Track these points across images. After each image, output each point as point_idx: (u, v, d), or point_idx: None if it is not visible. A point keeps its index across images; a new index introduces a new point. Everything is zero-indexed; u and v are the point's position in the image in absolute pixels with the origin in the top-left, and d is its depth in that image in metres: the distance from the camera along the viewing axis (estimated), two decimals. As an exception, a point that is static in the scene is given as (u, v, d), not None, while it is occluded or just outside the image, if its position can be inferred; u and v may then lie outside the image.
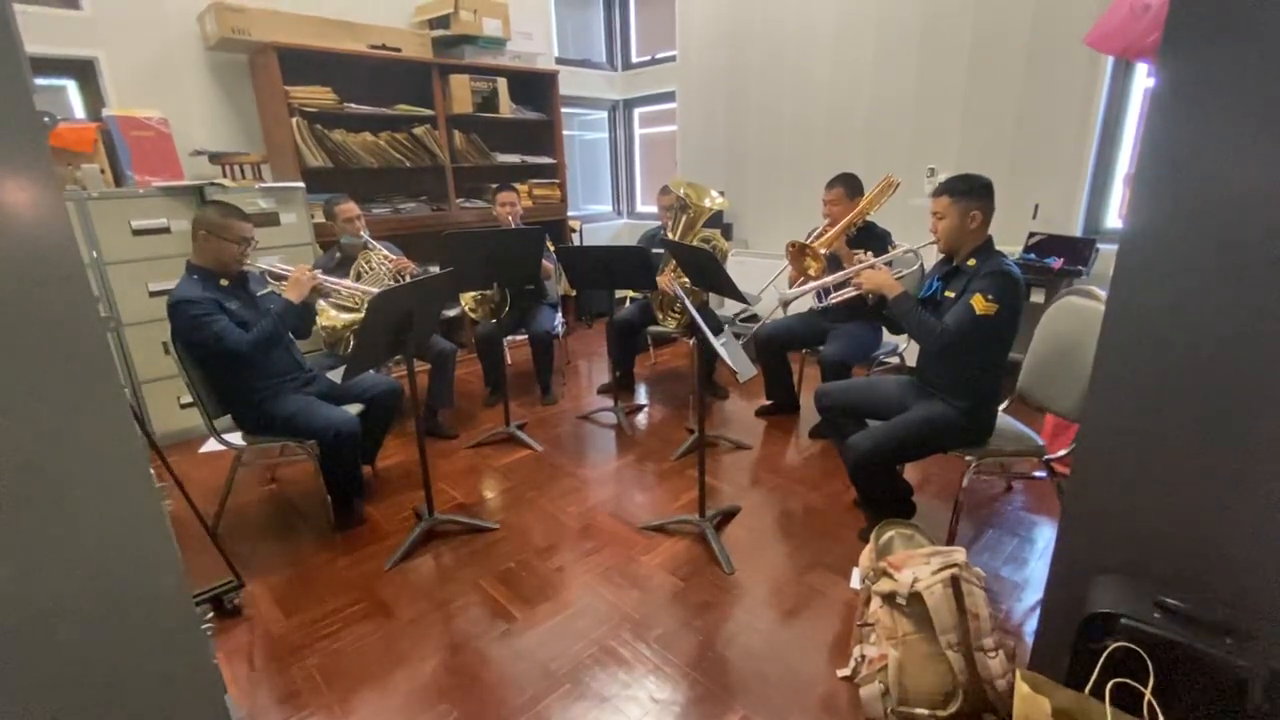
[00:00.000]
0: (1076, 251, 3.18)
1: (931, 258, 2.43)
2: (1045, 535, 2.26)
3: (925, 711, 1.42)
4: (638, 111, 5.90)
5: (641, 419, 3.45)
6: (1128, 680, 1.09)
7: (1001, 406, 2.16)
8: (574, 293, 4.89)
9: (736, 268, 4.13)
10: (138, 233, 2.97)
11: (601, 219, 6.03)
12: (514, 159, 4.67)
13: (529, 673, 1.70)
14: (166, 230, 3.04)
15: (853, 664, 1.61)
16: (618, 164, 6.10)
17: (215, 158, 3.49)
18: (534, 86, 4.75)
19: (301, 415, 2.28)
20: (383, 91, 3.99)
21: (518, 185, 4.11)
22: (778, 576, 2.08)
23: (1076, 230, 3.36)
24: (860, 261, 2.27)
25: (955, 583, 1.44)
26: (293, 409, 2.29)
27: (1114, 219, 3.35)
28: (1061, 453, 2.05)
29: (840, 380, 2.56)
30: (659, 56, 5.48)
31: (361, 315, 2.51)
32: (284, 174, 3.66)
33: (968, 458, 2.01)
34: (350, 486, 2.44)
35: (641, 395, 3.79)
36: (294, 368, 2.42)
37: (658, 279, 3.06)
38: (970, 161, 3.55)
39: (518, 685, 1.67)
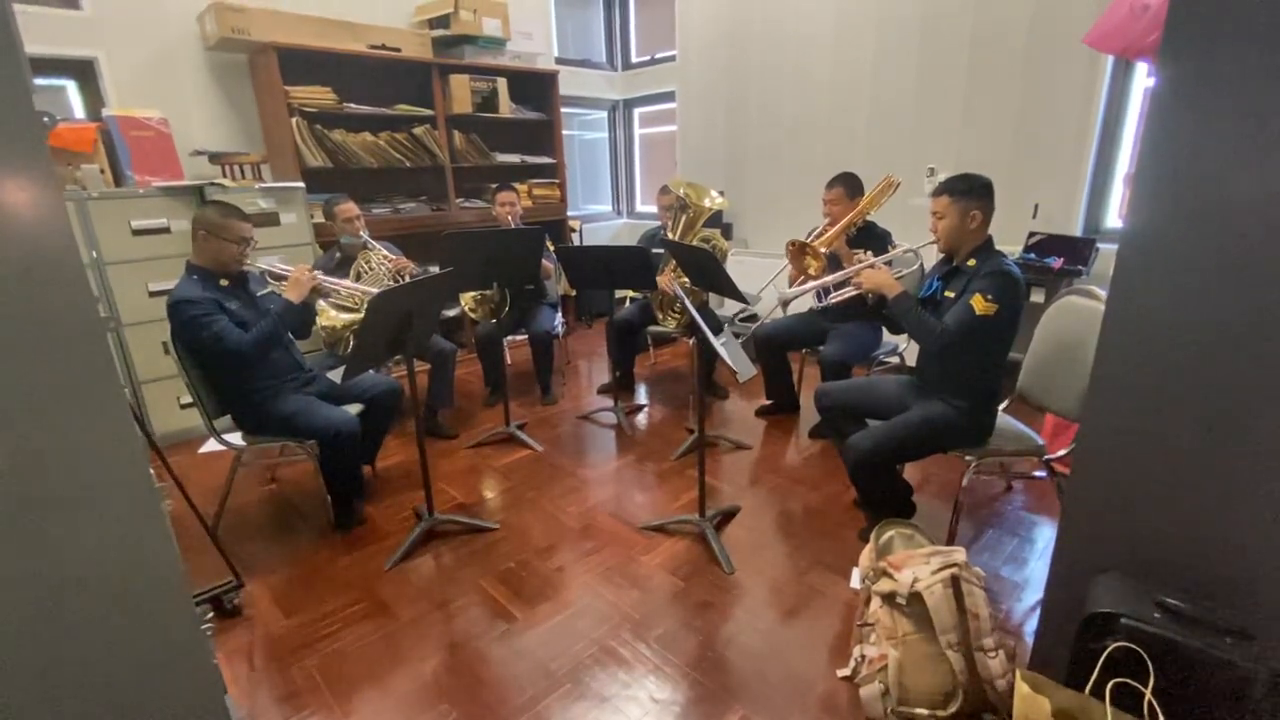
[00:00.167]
0: (1076, 251, 3.18)
1: (931, 257, 2.43)
2: (1045, 535, 2.26)
3: (925, 711, 1.42)
4: (637, 111, 5.90)
5: (641, 419, 3.45)
6: (1128, 680, 1.09)
7: (1001, 406, 2.16)
8: (574, 293, 4.89)
9: (736, 267, 4.12)
10: (137, 233, 2.97)
11: (601, 219, 6.03)
12: (514, 159, 4.67)
13: (529, 673, 1.70)
14: (166, 230, 3.04)
15: (853, 664, 1.61)
16: (617, 164, 6.10)
17: (215, 158, 3.49)
18: (534, 86, 4.75)
19: (301, 415, 2.28)
20: (383, 91, 3.99)
21: (517, 185, 4.11)
22: (778, 576, 2.08)
23: (1076, 230, 3.36)
24: (860, 261, 2.27)
25: (955, 582, 1.44)
26: (293, 409, 2.29)
27: (1114, 219, 3.35)
28: (1061, 452, 2.05)
29: (840, 380, 2.56)
30: (659, 56, 5.48)
31: (361, 315, 2.51)
32: (284, 174, 3.66)
33: (968, 457, 2.01)
34: (350, 486, 2.43)
35: (641, 395, 3.79)
36: (294, 368, 2.42)
37: (658, 279, 3.06)
38: (970, 161, 3.55)
39: (518, 685, 1.67)
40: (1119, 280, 1.18)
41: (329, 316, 2.97)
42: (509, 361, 4.06)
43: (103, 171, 3.00)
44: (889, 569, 1.55)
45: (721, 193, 3.34)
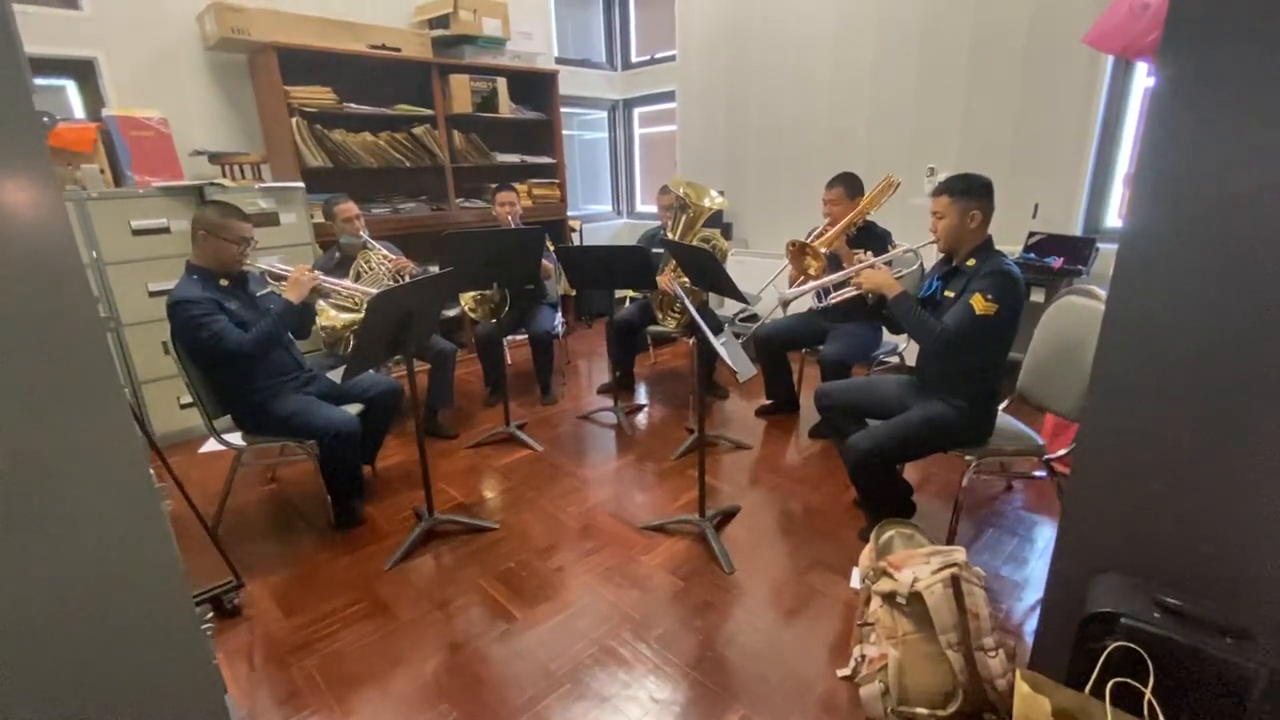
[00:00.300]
0: (1076, 251, 3.18)
1: (931, 257, 2.43)
2: (1045, 535, 2.26)
3: (925, 711, 1.42)
4: (637, 111, 5.90)
5: (641, 419, 3.45)
6: (1128, 680, 1.09)
7: (1001, 406, 2.16)
8: (574, 292, 4.89)
9: (736, 267, 4.13)
10: (137, 233, 2.97)
11: (601, 219, 6.03)
12: (514, 159, 4.67)
13: (529, 673, 1.70)
14: (166, 230, 3.04)
15: (853, 664, 1.61)
16: (617, 164, 6.10)
17: (215, 158, 3.49)
18: (534, 86, 4.74)
19: (301, 415, 2.28)
20: (382, 91, 3.99)
21: (517, 185, 4.11)
22: (778, 576, 2.08)
23: (1076, 230, 3.36)
24: (860, 261, 2.27)
25: (955, 582, 1.44)
26: (292, 409, 2.29)
27: (1114, 218, 3.35)
28: (1061, 452, 2.05)
29: (840, 380, 2.56)
30: (659, 56, 5.48)
31: (361, 315, 2.51)
32: (284, 174, 3.66)
33: (968, 457, 2.01)
34: (350, 486, 2.43)
35: (641, 395, 3.79)
36: (294, 368, 2.42)
37: (657, 279, 3.06)
38: (970, 161, 3.55)
39: (518, 685, 1.67)
40: (1119, 280, 1.18)
41: (329, 316, 2.97)
42: (509, 361, 4.06)
43: (103, 171, 3.00)
44: (889, 569, 1.55)
45: (721, 192, 3.34)
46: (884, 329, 3.00)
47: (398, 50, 3.93)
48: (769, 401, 3.39)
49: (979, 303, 1.86)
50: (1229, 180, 1.05)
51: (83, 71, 3.28)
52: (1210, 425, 1.14)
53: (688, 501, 2.51)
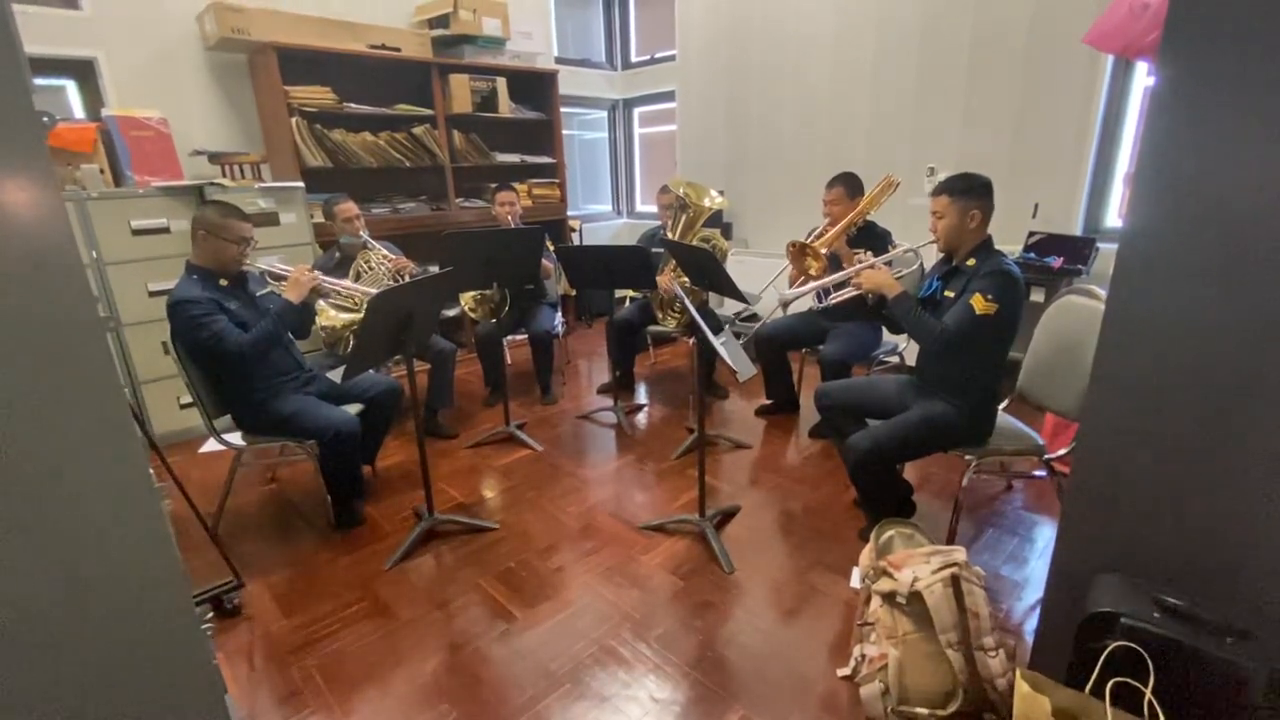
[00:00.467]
0: (1076, 251, 3.18)
1: (931, 257, 2.42)
2: (1045, 534, 2.26)
3: (925, 711, 1.42)
4: (637, 111, 5.90)
5: (641, 418, 3.45)
6: (1128, 679, 1.09)
7: (1001, 406, 2.16)
8: (574, 292, 4.89)
9: (736, 267, 4.12)
10: (137, 233, 2.97)
11: (601, 219, 6.03)
12: (513, 159, 4.67)
13: (529, 672, 1.70)
14: (166, 230, 3.04)
15: (853, 663, 1.61)
16: (617, 164, 6.10)
17: (215, 157, 3.49)
18: (533, 86, 4.74)
19: (301, 415, 2.28)
20: (382, 91, 3.99)
21: (517, 185, 4.11)
22: (778, 576, 2.08)
23: (1076, 229, 3.36)
24: (860, 261, 2.27)
25: (955, 582, 1.44)
26: (292, 409, 2.29)
27: (1114, 218, 3.35)
28: (1061, 452, 2.05)
29: (840, 380, 2.56)
30: (659, 56, 5.48)
31: (361, 315, 2.51)
32: (283, 174, 3.66)
33: (968, 457, 2.01)
34: (350, 486, 2.43)
35: (641, 395, 3.79)
36: (294, 367, 2.42)
37: (657, 279, 3.06)
38: (970, 160, 3.54)
39: (518, 685, 1.67)
40: (1119, 280, 1.18)
41: (329, 316, 2.97)
42: (509, 361, 4.06)
43: (102, 171, 3.00)
44: (889, 568, 1.55)
45: (721, 192, 3.34)
46: (884, 329, 3.00)
47: (397, 50, 3.93)
48: (769, 401, 3.39)
49: (979, 302, 1.86)
50: (1229, 180, 1.05)
51: (83, 71, 3.28)
52: (1210, 425, 1.14)
53: (688, 501, 2.51)
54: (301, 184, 3.47)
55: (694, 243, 3.09)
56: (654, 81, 5.52)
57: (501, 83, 4.34)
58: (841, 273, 2.41)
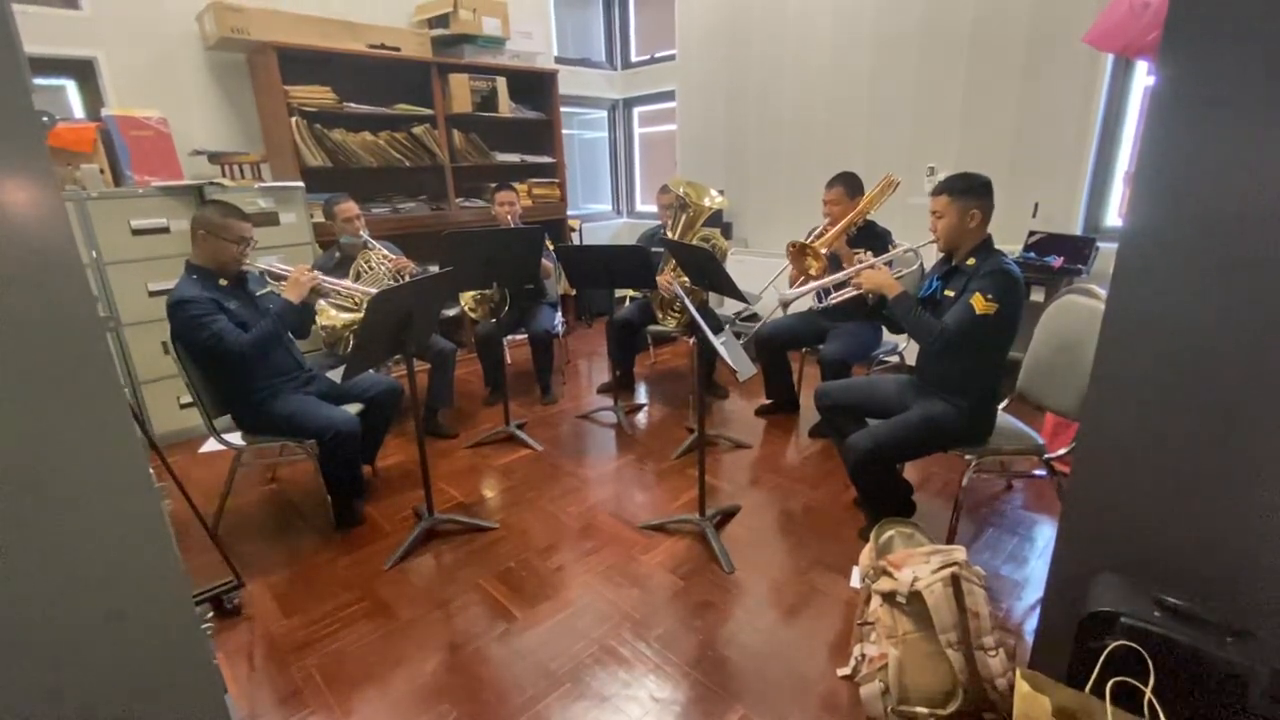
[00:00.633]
0: (1076, 250, 3.18)
1: (931, 257, 2.42)
2: (1045, 534, 2.26)
3: (925, 710, 1.42)
4: (637, 111, 5.90)
5: (641, 418, 3.45)
6: (1128, 679, 1.09)
7: (1001, 405, 2.16)
8: (574, 292, 4.89)
9: (736, 267, 4.12)
10: (137, 232, 2.97)
11: (601, 218, 6.03)
12: (513, 158, 4.67)
13: (529, 672, 1.71)
14: (166, 230, 3.03)
15: (853, 663, 1.61)
16: (617, 163, 6.10)
17: (214, 157, 3.49)
18: (533, 86, 4.74)
19: (301, 415, 2.28)
20: (382, 91, 3.98)
21: (517, 184, 4.10)
22: (778, 575, 2.08)
23: (1076, 229, 3.36)
24: (860, 261, 2.27)
25: (955, 581, 1.44)
26: (292, 408, 2.29)
27: (1114, 217, 3.35)
28: (1061, 451, 2.05)
29: (840, 379, 2.56)
30: (658, 55, 5.48)
31: (361, 315, 2.51)
32: (283, 174, 3.66)
33: (968, 456, 2.01)
34: (350, 486, 2.43)
35: (641, 394, 3.79)
36: (293, 367, 2.42)
37: (657, 278, 3.06)
38: (970, 160, 3.55)
39: (518, 685, 1.67)
40: (1119, 279, 1.18)
41: (329, 316, 2.97)
42: (509, 361, 4.06)
43: (102, 171, 3.00)
44: (889, 568, 1.55)
45: (721, 192, 3.34)
46: (884, 329, 3.00)
47: (397, 50, 3.93)
48: (769, 401, 3.39)
49: (979, 302, 1.86)
50: (1229, 180, 1.05)
51: (82, 71, 3.28)
52: (1210, 424, 1.14)
53: (688, 501, 2.51)
54: (301, 184, 3.46)
55: (694, 242, 3.09)
56: (654, 81, 5.52)
57: (501, 82, 4.34)
58: (841, 273, 2.41)
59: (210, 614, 1.77)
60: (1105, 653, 1.12)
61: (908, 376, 2.28)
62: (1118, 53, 2.68)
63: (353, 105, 3.82)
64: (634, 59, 5.73)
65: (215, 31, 3.32)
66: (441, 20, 4.11)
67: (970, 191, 1.94)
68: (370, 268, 3.06)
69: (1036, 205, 3.40)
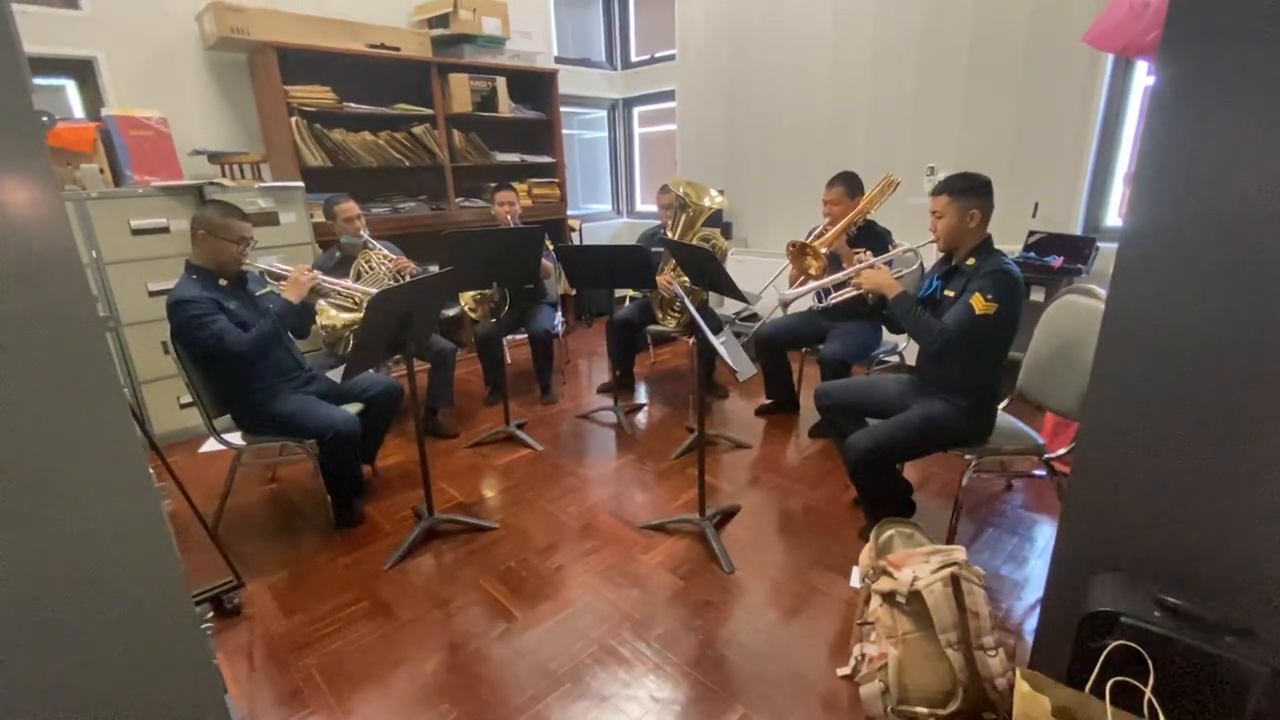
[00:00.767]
0: (1076, 250, 3.18)
1: (931, 257, 2.43)
2: (1045, 534, 2.26)
3: (925, 710, 1.42)
4: (637, 110, 5.90)
5: (641, 418, 3.45)
6: (1128, 679, 1.09)
7: (1001, 405, 2.16)
8: (574, 292, 4.89)
9: (736, 267, 4.12)
10: (137, 232, 2.97)
11: (601, 218, 6.03)
12: (513, 158, 4.67)
13: (529, 672, 1.71)
14: (166, 230, 3.04)
15: (853, 662, 1.61)
16: (617, 163, 6.09)
17: (214, 157, 3.49)
18: (533, 85, 4.74)
19: (301, 415, 2.28)
20: (382, 91, 3.98)
21: (517, 184, 4.11)
22: (778, 575, 2.08)
23: (1076, 229, 3.36)
24: (860, 261, 2.27)
25: (955, 581, 1.44)
26: (292, 408, 2.29)
27: (1114, 217, 3.35)
28: (1061, 451, 2.05)
29: (840, 379, 2.55)
30: (658, 55, 5.48)
31: (361, 315, 2.51)
32: (283, 173, 3.66)
33: (967, 456, 2.01)
34: (350, 486, 2.44)
35: (641, 394, 3.79)
36: (293, 367, 2.42)
37: (657, 278, 3.05)
38: (970, 160, 3.55)
39: (518, 684, 1.67)
40: (1119, 279, 1.18)
41: (329, 316, 2.97)
42: (509, 361, 4.06)
43: (102, 171, 3.00)
44: (889, 568, 1.55)
45: (721, 192, 3.34)
46: (884, 328, 3.00)
47: (397, 49, 3.93)
48: (769, 401, 3.39)
49: (979, 302, 1.86)
50: (1229, 180, 1.05)
51: (82, 71, 3.28)
52: (1210, 424, 1.14)
53: (688, 501, 2.51)
54: (301, 184, 3.47)
55: (694, 242, 3.09)
56: (654, 81, 5.52)
57: (501, 82, 4.34)
58: (841, 272, 2.41)
59: (210, 614, 1.76)
60: (1105, 652, 1.12)
61: (908, 376, 2.28)
62: (1118, 53, 2.68)
63: (353, 105, 3.82)
64: (634, 59, 5.73)
65: (215, 31, 3.32)
66: (441, 20, 4.11)
67: (970, 191, 1.94)
68: (371, 268, 3.06)
69: (1036, 205, 3.40)
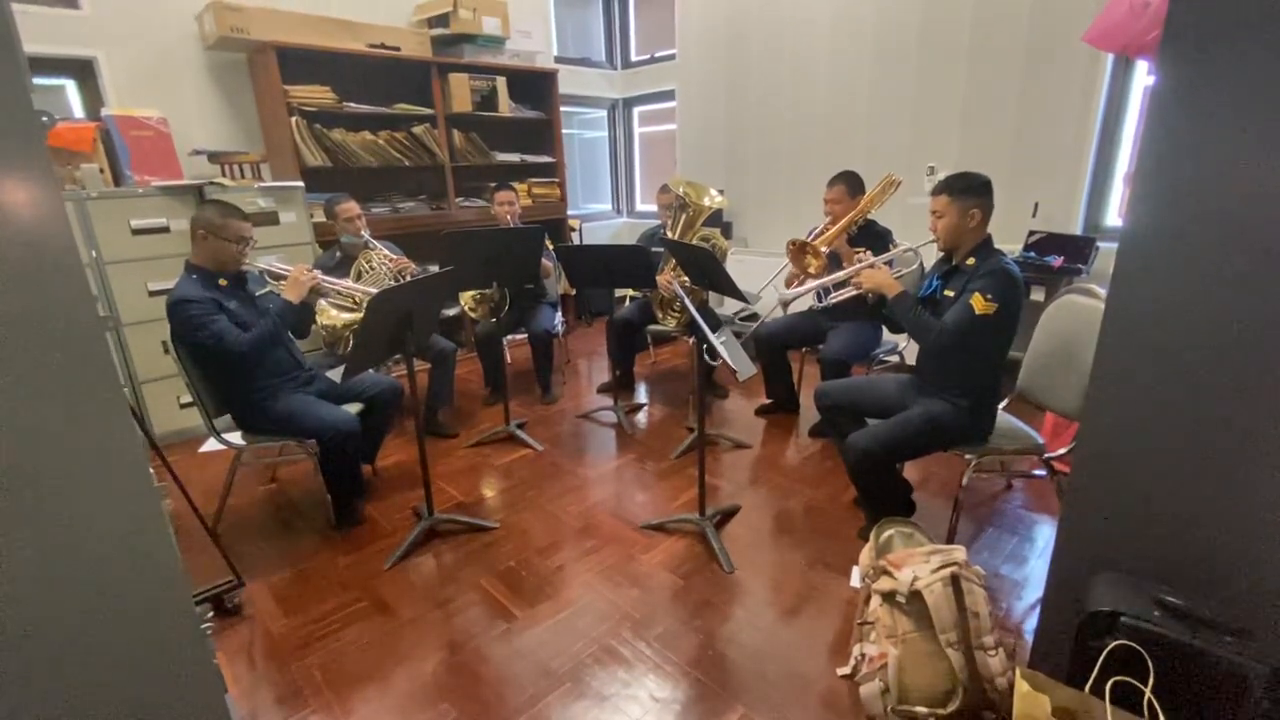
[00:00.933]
0: (1076, 250, 3.18)
1: (931, 256, 2.42)
2: (1045, 533, 2.26)
3: (925, 710, 1.42)
4: (637, 110, 5.89)
5: (641, 418, 3.45)
6: (1128, 679, 1.09)
7: (1001, 405, 2.16)
8: (574, 291, 4.89)
9: (736, 266, 4.11)
10: (137, 232, 2.97)
11: (601, 218, 6.03)
12: (513, 158, 4.67)
13: (529, 672, 1.71)
14: (166, 230, 3.04)
15: (853, 662, 1.61)
16: (617, 163, 6.09)
17: (214, 157, 3.49)
18: (533, 85, 4.74)
19: (301, 414, 2.28)
20: (382, 90, 3.98)
21: (517, 184, 4.11)
22: (778, 575, 2.08)
23: (1076, 228, 3.36)
24: (860, 260, 2.27)
25: (955, 581, 1.44)
26: (292, 408, 2.29)
27: (1114, 217, 3.35)
28: (1061, 451, 2.06)
29: (840, 379, 2.55)
30: (658, 55, 5.47)
31: (361, 315, 2.51)
32: (283, 173, 3.66)
33: (967, 456, 2.01)
34: (350, 486, 2.44)
35: (641, 394, 3.79)
36: (293, 367, 2.42)
37: (657, 278, 3.05)
38: (970, 159, 3.55)
39: (518, 684, 1.67)
40: (1119, 279, 1.18)
41: (329, 316, 2.97)
42: (509, 360, 4.06)
43: (102, 171, 3.00)
44: (889, 567, 1.55)
45: (721, 191, 3.33)
46: (884, 328, 3.00)
47: (397, 49, 3.92)
48: (769, 400, 3.39)
49: (978, 302, 1.86)
50: (1229, 180, 1.05)
51: (82, 71, 3.28)
52: (1210, 424, 1.14)
53: (688, 500, 2.51)
54: (301, 183, 3.46)
55: (694, 242, 3.09)
56: (654, 81, 5.52)
57: (501, 82, 4.34)
58: (841, 272, 2.41)
59: (210, 614, 1.77)
60: (1105, 652, 1.12)
61: (908, 376, 2.28)
62: (1118, 52, 2.68)
63: (352, 105, 3.82)
64: (634, 59, 5.72)
65: (215, 31, 3.32)
66: (441, 20, 4.10)
67: (970, 191, 1.94)
68: (371, 268, 3.06)
69: (1036, 205, 3.40)
